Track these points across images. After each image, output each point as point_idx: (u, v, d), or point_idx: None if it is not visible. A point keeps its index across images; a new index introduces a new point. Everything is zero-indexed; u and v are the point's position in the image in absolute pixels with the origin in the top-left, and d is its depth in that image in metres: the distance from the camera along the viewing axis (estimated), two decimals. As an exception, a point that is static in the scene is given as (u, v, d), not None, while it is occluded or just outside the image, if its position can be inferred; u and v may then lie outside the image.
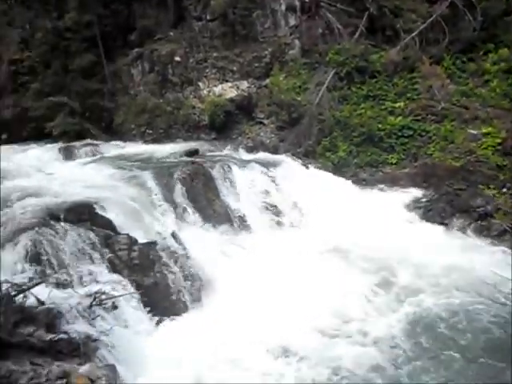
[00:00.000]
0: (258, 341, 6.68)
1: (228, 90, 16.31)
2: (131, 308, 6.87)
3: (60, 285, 6.81)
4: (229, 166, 11.42)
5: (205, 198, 10.40)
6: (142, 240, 8.23)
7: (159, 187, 10.07)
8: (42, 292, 6.19)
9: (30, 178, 11.22)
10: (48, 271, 7.01)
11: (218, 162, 11.65)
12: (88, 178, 10.99)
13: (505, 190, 10.73)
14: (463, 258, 8.74)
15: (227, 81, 16.66)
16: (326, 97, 13.98)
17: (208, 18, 17.19)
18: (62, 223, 7.89)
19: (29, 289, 6.04)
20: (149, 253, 7.93)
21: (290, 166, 12.37)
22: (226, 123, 15.84)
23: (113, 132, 17.72)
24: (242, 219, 10.46)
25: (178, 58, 17.44)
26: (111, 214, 8.58)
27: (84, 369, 5.25)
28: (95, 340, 5.78)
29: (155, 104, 17.16)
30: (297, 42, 16.02)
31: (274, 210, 10.99)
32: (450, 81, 13.47)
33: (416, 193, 11.52)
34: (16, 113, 18.72)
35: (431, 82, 13.33)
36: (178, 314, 7.51)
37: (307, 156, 13.37)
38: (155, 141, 16.45)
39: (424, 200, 11.23)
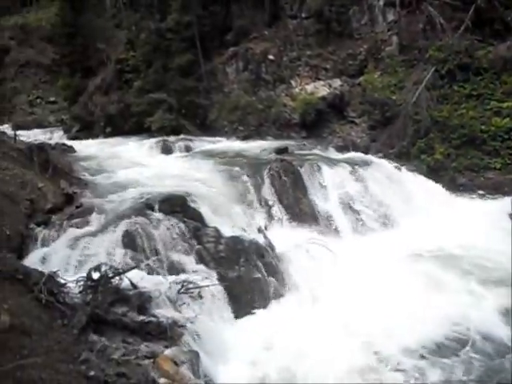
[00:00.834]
0: (338, 338, 6.51)
1: (320, 89, 16.13)
2: (215, 299, 7.03)
3: (151, 271, 7.20)
4: (318, 165, 11.28)
5: (292, 196, 10.38)
6: (229, 234, 8.42)
7: (248, 183, 10.25)
8: (136, 276, 6.59)
9: (130, 170, 12.02)
10: (141, 257, 7.45)
11: (307, 161, 11.57)
12: (182, 171, 11.51)
13: None
14: None
15: (320, 79, 16.50)
16: (423, 96, 13.26)
17: (303, 15, 17.17)
18: (156, 213, 8.35)
19: (124, 272, 6.45)
20: (235, 246, 8.08)
21: (381, 168, 11.92)
22: (316, 122, 15.68)
23: (206, 128, 18.33)
24: (329, 220, 10.26)
25: (271, 57, 17.61)
26: (202, 207, 8.89)
27: (169, 352, 5.47)
28: (181, 326, 6.01)
29: (248, 102, 17.47)
30: (395, 38, 15.39)
31: (363, 211, 10.64)
32: None
33: (524, 202, 10.51)
34: (120, 108, 20.16)
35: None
36: (259, 308, 7.55)
37: (400, 157, 12.80)
38: (246, 137, 16.73)
39: (533, 210, 10.22)
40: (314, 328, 6.81)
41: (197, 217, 8.60)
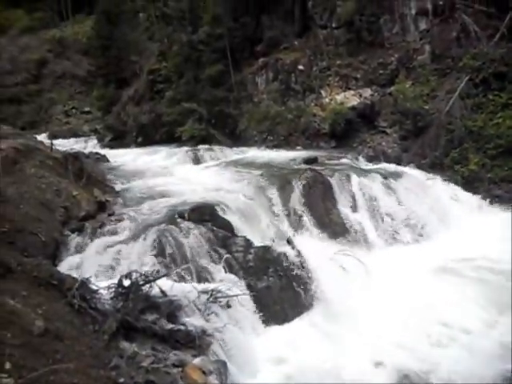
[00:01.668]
0: (365, 355, 6.39)
1: (350, 98, 16.01)
2: (244, 309, 7.00)
3: (181, 279, 7.24)
4: (348, 175, 11.16)
5: (322, 207, 10.28)
6: (257, 243, 8.40)
7: (277, 193, 10.21)
8: (165, 284, 6.64)
9: (160, 179, 12.21)
10: (171, 265, 7.51)
11: (337, 171, 11.47)
12: (211, 180, 11.61)
13: None
14: None
15: (350, 88, 16.40)
16: (457, 105, 12.98)
17: (333, 25, 17.15)
18: (186, 222, 8.43)
19: (154, 280, 6.50)
20: (264, 256, 8.05)
21: (413, 178, 11.70)
22: (346, 131, 15.55)
23: (236, 138, 18.46)
24: (359, 231, 10.08)
25: (301, 67, 17.64)
26: (231, 216, 8.92)
27: (198, 361, 5.49)
28: (209, 335, 6.01)
29: (277, 111, 17.51)
30: (427, 47, 15.17)
31: (394, 223, 10.45)
32: None
33: None
34: (151, 118, 20.59)
35: None
36: (287, 319, 7.50)
37: (433, 168, 12.52)
38: (276, 147, 16.75)
39: None
40: (342, 342, 6.71)
41: (226, 226, 8.63)
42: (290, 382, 5.96)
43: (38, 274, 5.90)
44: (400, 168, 12.52)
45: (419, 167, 12.51)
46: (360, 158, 13.84)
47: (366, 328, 6.99)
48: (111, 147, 20.92)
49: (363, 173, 11.63)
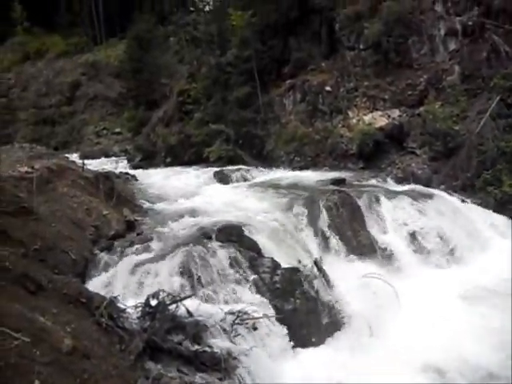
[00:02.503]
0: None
1: (378, 119, 15.92)
2: (270, 331, 6.91)
3: (207, 299, 7.21)
4: (376, 197, 11.01)
5: (350, 228, 10.14)
6: (284, 265, 8.32)
7: (305, 214, 10.13)
8: (192, 304, 6.63)
9: (188, 199, 12.31)
10: (198, 285, 7.50)
11: (366, 192, 11.33)
12: (239, 201, 11.63)
13: None
14: None
15: (378, 109, 16.30)
16: (488, 125, 12.72)
17: (361, 47, 17.16)
18: (213, 242, 8.44)
19: (181, 300, 6.51)
20: (291, 278, 7.95)
21: (444, 200, 11.45)
22: (374, 153, 15.42)
23: (263, 158, 18.54)
24: (389, 253, 9.87)
25: (328, 88, 17.68)
26: (258, 237, 8.88)
27: (224, 385, 5.42)
28: (235, 358, 5.93)
29: (304, 132, 17.54)
30: (456, 67, 15.00)
31: (425, 245, 10.20)
32: None
33: None
34: (180, 139, 20.94)
35: None
36: (315, 343, 7.35)
37: (465, 190, 12.24)
38: (303, 168, 16.72)
39: None
40: (370, 369, 6.51)
41: (253, 247, 8.59)
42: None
43: (67, 292, 5.98)
44: (430, 190, 12.28)
45: (450, 189, 12.25)
46: (389, 179, 13.66)
47: (396, 356, 6.77)
48: (141, 167, 21.31)
49: (392, 194, 11.45)
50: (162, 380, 5.27)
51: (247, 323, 6.61)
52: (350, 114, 16.90)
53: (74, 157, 20.91)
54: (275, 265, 8.13)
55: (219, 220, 9.51)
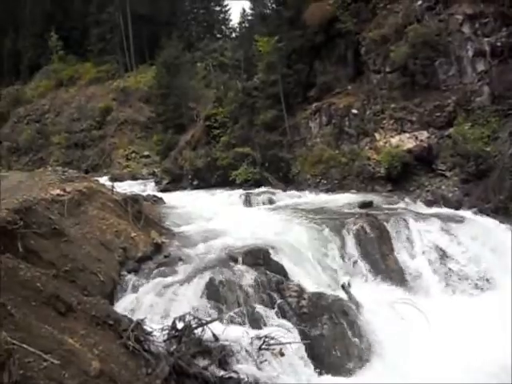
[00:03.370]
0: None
1: (406, 141, 15.73)
2: (297, 357, 6.77)
3: (233, 323, 7.15)
4: (405, 220, 10.80)
5: (378, 252, 9.97)
6: (311, 289, 8.20)
7: (332, 238, 10.05)
8: (218, 328, 6.58)
9: (215, 221, 12.36)
10: (224, 309, 7.46)
11: (394, 216, 11.14)
12: (265, 224, 11.59)
13: None
14: None
15: (405, 131, 16.13)
16: (520, 147, 12.43)
17: (387, 70, 17.13)
18: (240, 265, 8.42)
19: (207, 323, 6.48)
20: (318, 303, 7.83)
21: (475, 224, 11.11)
22: (402, 175, 15.21)
23: (289, 181, 18.53)
24: (418, 278, 9.64)
25: (354, 111, 17.66)
26: (284, 260, 8.82)
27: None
28: (262, 385, 5.83)
29: (331, 155, 17.49)
30: (486, 88, 14.78)
31: (455, 270, 9.89)
32: None
33: None
34: (207, 162, 21.18)
35: None
36: (342, 371, 7.15)
37: (497, 213, 11.87)
38: (329, 191, 16.61)
39: None
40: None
41: (279, 270, 8.53)
42: None
43: (95, 313, 6.03)
44: (461, 212, 11.99)
45: (482, 212, 11.90)
46: (418, 202, 13.41)
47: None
48: (168, 190, 21.61)
49: (421, 217, 11.22)
50: (188, 406, 5.22)
51: (274, 349, 6.51)
52: (377, 136, 16.78)
53: (104, 179, 21.34)
54: (302, 289, 8.05)
55: (246, 243, 9.50)
